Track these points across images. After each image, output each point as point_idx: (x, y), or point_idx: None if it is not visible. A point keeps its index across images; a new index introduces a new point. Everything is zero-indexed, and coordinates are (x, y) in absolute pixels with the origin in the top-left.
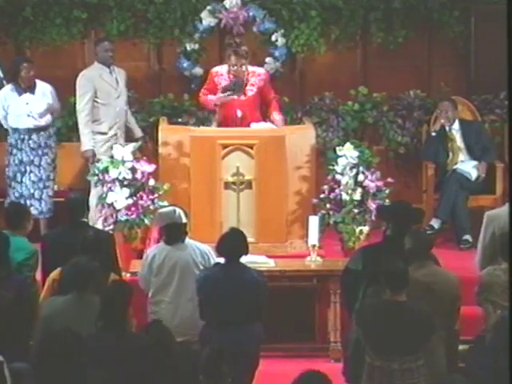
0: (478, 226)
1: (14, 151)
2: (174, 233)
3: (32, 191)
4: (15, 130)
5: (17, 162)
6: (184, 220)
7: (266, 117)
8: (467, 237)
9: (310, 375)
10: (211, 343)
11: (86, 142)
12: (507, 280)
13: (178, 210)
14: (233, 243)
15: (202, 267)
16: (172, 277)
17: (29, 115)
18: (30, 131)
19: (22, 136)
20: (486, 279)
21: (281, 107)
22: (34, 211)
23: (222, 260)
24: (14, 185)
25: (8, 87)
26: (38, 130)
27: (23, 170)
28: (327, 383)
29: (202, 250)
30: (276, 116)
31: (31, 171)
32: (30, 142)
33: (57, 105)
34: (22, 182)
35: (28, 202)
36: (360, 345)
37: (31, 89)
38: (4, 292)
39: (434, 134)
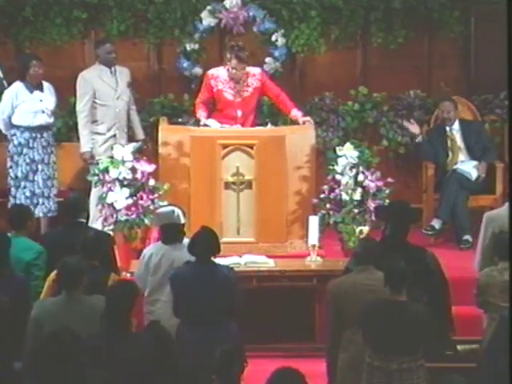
0: (478, 225)
1: (25, 150)
2: (171, 233)
3: (43, 189)
4: (26, 128)
5: (28, 160)
6: (182, 221)
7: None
8: (467, 237)
9: (283, 373)
10: (186, 341)
11: (85, 143)
12: (504, 280)
13: (177, 211)
14: (204, 243)
15: None
16: (168, 276)
17: (43, 112)
18: (41, 129)
19: (33, 134)
20: (482, 281)
21: (293, 101)
22: (44, 209)
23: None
24: (24, 184)
25: (18, 84)
26: (47, 127)
27: (35, 168)
28: (301, 380)
29: None
30: (296, 112)
31: (42, 169)
32: (42, 139)
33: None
34: (33, 180)
35: (40, 201)
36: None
37: (40, 86)
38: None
39: (419, 139)
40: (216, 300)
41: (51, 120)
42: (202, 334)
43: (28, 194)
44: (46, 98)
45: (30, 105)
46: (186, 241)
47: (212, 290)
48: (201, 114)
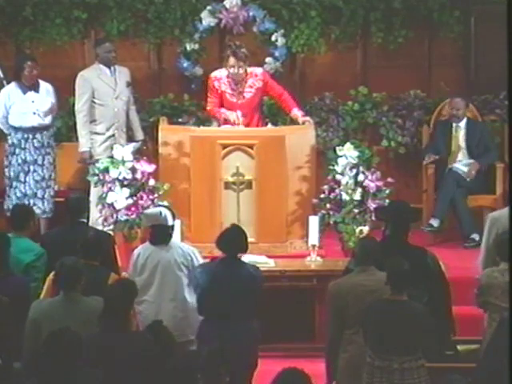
0: (478, 225)
1: (17, 151)
2: (158, 234)
3: (35, 191)
4: (18, 129)
5: (20, 161)
6: (170, 222)
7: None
8: (474, 235)
9: (289, 373)
10: (209, 339)
11: (84, 142)
12: (505, 281)
13: (165, 212)
14: (233, 240)
15: (184, 268)
16: (154, 276)
17: (35, 113)
18: (34, 130)
19: (25, 135)
20: (484, 281)
21: (296, 100)
22: (37, 211)
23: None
24: (16, 184)
25: (12, 85)
26: (41, 129)
27: (27, 169)
28: (307, 381)
29: (185, 250)
30: (297, 112)
31: (35, 170)
32: (35, 141)
33: (56, 105)
34: (25, 181)
35: (31, 202)
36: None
37: (35, 87)
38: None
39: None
40: (241, 298)
41: (45, 121)
42: (225, 331)
43: (19, 194)
44: (40, 99)
45: (22, 106)
46: (172, 241)
47: (237, 288)
48: (223, 111)
